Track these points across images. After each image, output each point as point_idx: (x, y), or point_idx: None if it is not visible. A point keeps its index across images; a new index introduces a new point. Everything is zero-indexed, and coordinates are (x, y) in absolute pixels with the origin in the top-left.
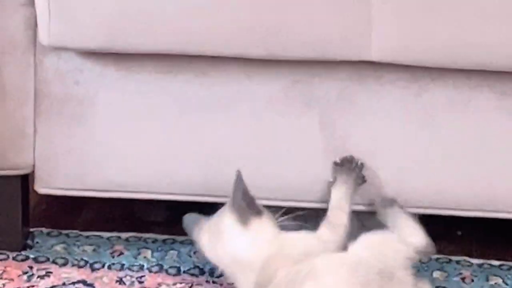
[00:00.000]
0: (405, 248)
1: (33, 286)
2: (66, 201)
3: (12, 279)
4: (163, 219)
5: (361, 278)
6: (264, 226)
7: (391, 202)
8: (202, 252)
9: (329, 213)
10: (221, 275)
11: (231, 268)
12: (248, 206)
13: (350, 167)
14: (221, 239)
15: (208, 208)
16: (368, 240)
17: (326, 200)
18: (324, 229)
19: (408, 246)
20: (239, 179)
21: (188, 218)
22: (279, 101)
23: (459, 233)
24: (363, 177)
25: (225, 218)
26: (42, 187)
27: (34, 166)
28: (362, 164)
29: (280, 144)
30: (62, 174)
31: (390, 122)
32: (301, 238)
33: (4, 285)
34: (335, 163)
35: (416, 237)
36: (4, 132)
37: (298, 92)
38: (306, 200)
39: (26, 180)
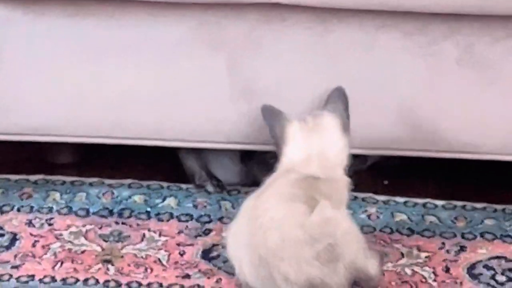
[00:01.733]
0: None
1: None
2: None
3: None
4: (71, 162)
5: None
6: None
7: None
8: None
9: None
10: (130, 216)
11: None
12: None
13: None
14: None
15: (116, 150)
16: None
17: (232, 141)
18: None
19: None
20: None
21: (267, 108)
22: (186, 43)
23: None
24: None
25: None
26: None
27: None
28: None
29: (188, 86)
30: None
31: (296, 63)
32: None
33: None
34: None
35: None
36: None
37: (205, 35)
38: (213, 141)
39: None
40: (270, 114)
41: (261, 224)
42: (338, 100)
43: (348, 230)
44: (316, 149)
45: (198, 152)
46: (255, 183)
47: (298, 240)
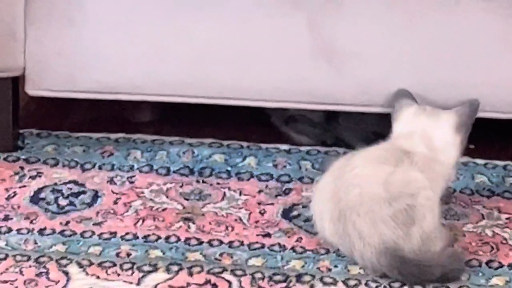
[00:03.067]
0: None
1: (24, 186)
2: (56, 103)
3: (4, 179)
4: (151, 120)
5: None
6: None
7: None
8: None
9: None
10: (210, 175)
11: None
12: None
13: None
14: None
15: (196, 109)
16: None
17: (312, 101)
18: None
19: None
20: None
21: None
22: (266, 2)
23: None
24: None
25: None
26: (32, 89)
27: (24, 68)
28: None
29: (268, 44)
30: (52, 76)
31: (377, 23)
32: None
33: None
34: None
35: None
36: None
37: None
38: (293, 101)
39: (16, 82)
40: (400, 96)
41: (345, 180)
42: (465, 105)
43: (430, 197)
44: (420, 129)
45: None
46: (338, 144)
47: (376, 197)
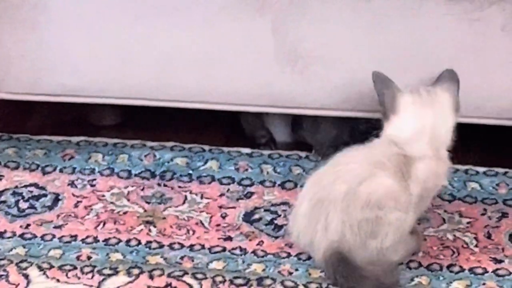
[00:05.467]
0: None
1: None
2: (17, 106)
3: None
4: (114, 124)
5: None
6: None
7: None
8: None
9: None
10: (171, 179)
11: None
12: None
13: None
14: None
15: (158, 112)
16: None
17: (276, 105)
18: None
19: None
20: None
21: (378, 75)
22: (231, 6)
23: None
24: None
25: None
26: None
27: None
28: None
29: (233, 49)
30: (14, 79)
31: (342, 26)
32: None
33: None
34: None
35: None
36: None
37: None
38: (257, 105)
39: None
40: (381, 81)
41: (337, 171)
42: (451, 80)
43: (401, 219)
44: (428, 125)
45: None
46: (303, 146)
47: (356, 199)
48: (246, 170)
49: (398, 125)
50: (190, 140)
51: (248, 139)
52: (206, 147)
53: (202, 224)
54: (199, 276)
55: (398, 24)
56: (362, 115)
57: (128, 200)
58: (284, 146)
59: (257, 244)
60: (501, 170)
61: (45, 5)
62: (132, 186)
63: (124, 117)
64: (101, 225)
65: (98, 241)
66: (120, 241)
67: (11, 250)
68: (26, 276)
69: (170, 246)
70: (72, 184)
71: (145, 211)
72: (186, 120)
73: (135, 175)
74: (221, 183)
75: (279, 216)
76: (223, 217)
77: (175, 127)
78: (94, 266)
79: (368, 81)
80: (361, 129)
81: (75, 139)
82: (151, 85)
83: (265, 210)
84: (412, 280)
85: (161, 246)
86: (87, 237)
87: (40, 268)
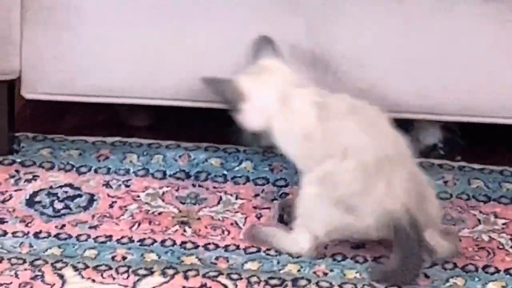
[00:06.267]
0: None
1: (20, 189)
2: (52, 107)
3: None
4: (148, 124)
5: None
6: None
7: None
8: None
9: None
10: (206, 179)
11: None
12: None
13: None
14: None
15: (193, 113)
16: None
17: None
18: None
19: None
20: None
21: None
22: (264, 7)
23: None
24: None
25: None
26: (28, 93)
27: (20, 72)
28: None
29: None
30: (48, 80)
31: (375, 28)
32: None
33: None
34: None
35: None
36: None
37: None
38: None
39: (12, 85)
40: (211, 82)
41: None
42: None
43: None
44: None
45: None
46: None
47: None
48: (281, 171)
49: (259, 100)
50: (225, 140)
51: None
52: (241, 148)
53: (237, 224)
54: (234, 276)
55: (431, 25)
56: (395, 116)
57: (163, 200)
58: None
59: None
60: None
61: (78, 6)
62: (167, 187)
63: (159, 118)
64: (136, 225)
65: (133, 241)
66: (155, 241)
67: (46, 250)
68: (61, 276)
69: (205, 247)
70: (107, 184)
71: (180, 211)
72: (220, 121)
73: (170, 175)
74: (256, 184)
75: None
76: (258, 218)
77: (209, 128)
78: (129, 267)
79: (401, 82)
80: None
81: (109, 139)
82: (184, 86)
83: None
84: (447, 281)
85: (196, 247)
86: (122, 237)
87: (75, 268)
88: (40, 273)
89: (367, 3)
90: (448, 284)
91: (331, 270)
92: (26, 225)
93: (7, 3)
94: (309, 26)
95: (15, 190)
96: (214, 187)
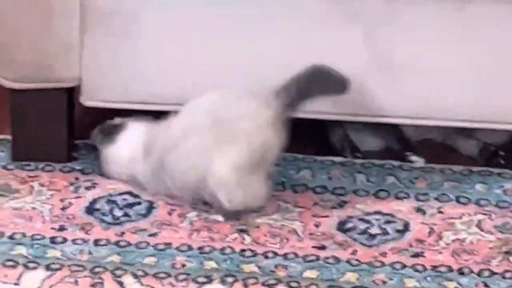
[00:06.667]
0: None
1: (80, 196)
2: (111, 114)
3: (59, 190)
4: None
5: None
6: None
7: None
8: None
9: None
10: None
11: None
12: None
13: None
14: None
15: None
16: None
17: (368, 114)
18: None
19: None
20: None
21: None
22: (322, 16)
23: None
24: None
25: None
26: (87, 100)
27: (80, 79)
28: None
29: (324, 58)
30: (108, 87)
31: (432, 36)
32: None
33: (51, 195)
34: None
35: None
36: (51, 46)
37: (342, 7)
38: (348, 114)
39: (71, 92)
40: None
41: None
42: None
43: None
44: None
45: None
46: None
47: None
48: (339, 179)
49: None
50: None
51: (334, 148)
52: (299, 156)
53: (296, 232)
54: (293, 284)
55: (490, 33)
56: (453, 124)
57: None
58: (371, 154)
59: (351, 253)
60: None
61: (137, 14)
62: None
63: None
64: (195, 233)
65: (192, 249)
66: (214, 249)
67: (106, 257)
68: (121, 284)
69: (264, 255)
70: None
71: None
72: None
73: None
74: (315, 192)
75: (373, 225)
76: (317, 226)
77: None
78: (189, 274)
79: (460, 90)
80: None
81: None
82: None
83: (358, 219)
84: None
85: (255, 255)
86: (181, 245)
87: (134, 275)
88: (100, 280)
89: (426, 10)
90: None
91: (391, 279)
92: (86, 233)
93: (67, 11)
94: (367, 34)
95: (75, 198)
96: (273, 195)
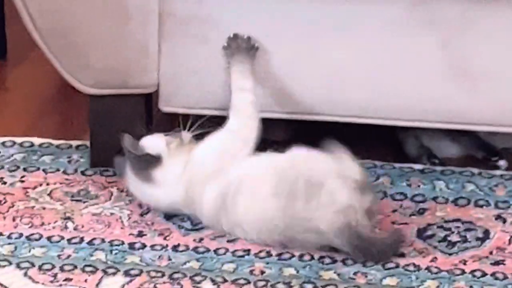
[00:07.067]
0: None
1: None
2: (189, 120)
3: None
4: (283, 139)
5: (287, 188)
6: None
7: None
8: None
9: (233, 98)
10: None
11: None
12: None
13: (237, 44)
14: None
15: (329, 128)
16: (297, 152)
17: (444, 121)
18: (232, 118)
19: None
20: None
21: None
22: (400, 22)
23: None
24: (254, 45)
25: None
26: (165, 106)
27: (158, 84)
28: (248, 37)
29: (400, 65)
30: (186, 93)
31: (509, 42)
32: (210, 142)
33: (130, 201)
34: (224, 47)
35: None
36: (129, 52)
37: (419, 14)
38: (425, 120)
39: (150, 98)
40: (131, 143)
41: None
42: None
43: None
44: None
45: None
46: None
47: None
48: (419, 186)
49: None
50: (361, 155)
51: (406, 155)
52: (378, 163)
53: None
54: None
55: None
56: None
57: None
58: (448, 161)
59: (431, 261)
60: None
61: (215, 20)
62: None
63: (295, 133)
64: None
65: (271, 255)
66: (293, 256)
67: (185, 263)
68: None
69: (343, 262)
70: None
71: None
72: (356, 135)
73: None
74: (394, 199)
75: (452, 232)
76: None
77: (346, 143)
78: (267, 281)
79: None
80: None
81: None
82: (320, 100)
83: (438, 227)
84: None
85: (334, 261)
86: (260, 251)
87: (214, 281)
88: (179, 286)
89: (504, 16)
90: None
91: (471, 287)
92: (165, 238)
93: (144, 17)
94: (445, 40)
95: None
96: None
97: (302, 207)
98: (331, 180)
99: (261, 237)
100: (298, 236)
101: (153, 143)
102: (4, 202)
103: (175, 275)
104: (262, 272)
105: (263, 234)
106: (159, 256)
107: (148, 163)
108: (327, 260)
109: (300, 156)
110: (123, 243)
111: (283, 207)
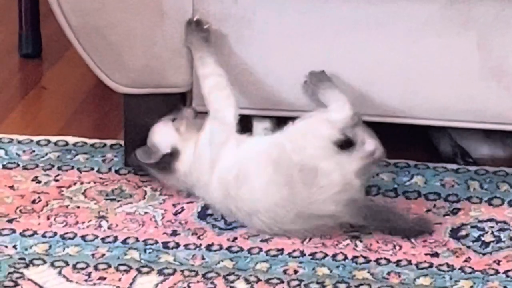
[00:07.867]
0: (329, 131)
1: (192, 201)
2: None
3: (171, 195)
4: None
5: (285, 177)
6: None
7: (321, 76)
8: None
9: (201, 87)
10: (377, 194)
11: None
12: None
13: (190, 30)
14: None
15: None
16: (290, 131)
17: (481, 121)
18: (208, 107)
19: (333, 127)
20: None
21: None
22: (436, 21)
23: None
24: (203, 28)
25: None
26: (200, 105)
27: (192, 84)
28: (197, 20)
29: (436, 64)
30: None
31: None
32: (201, 136)
33: (164, 200)
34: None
35: (341, 112)
36: (163, 51)
37: (455, 13)
38: (462, 120)
39: (184, 98)
40: (145, 154)
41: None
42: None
43: None
44: None
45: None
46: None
47: None
48: (452, 186)
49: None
50: (396, 155)
51: (442, 155)
52: (412, 163)
53: (409, 239)
54: None
55: None
56: None
57: None
58: (482, 161)
59: (464, 261)
60: None
61: (250, 19)
62: None
63: None
64: (307, 239)
65: (305, 255)
66: (326, 255)
67: (218, 262)
68: None
69: (377, 261)
70: None
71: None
72: (390, 135)
73: None
74: (427, 199)
75: (486, 232)
76: (430, 233)
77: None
78: (301, 280)
79: None
80: None
81: None
82: (354, 100)
83: (472, 227)
84: None
85: (368, 261)
86: (294, 251)
87: (247, 281)
88: (212, 286)
89: None
90: None
91: (504, 287)
92: (198, 238)
93: (179, 16)
94: (481, 39)
95: (187, 203)
96: (385, 202)
97: (306, 195)
98: (324, 163)
99: (274, 228)
100: (311, 223)
101: (163, 135)
102: (39, 201)
103: (209, 274)
104: (296, 272)
105: (277, 225)
106: (193, 255)
107: (168, 162)
108: (360, 260)
109: (284, 139)
110: (156, 242)
111: (286, 198)
